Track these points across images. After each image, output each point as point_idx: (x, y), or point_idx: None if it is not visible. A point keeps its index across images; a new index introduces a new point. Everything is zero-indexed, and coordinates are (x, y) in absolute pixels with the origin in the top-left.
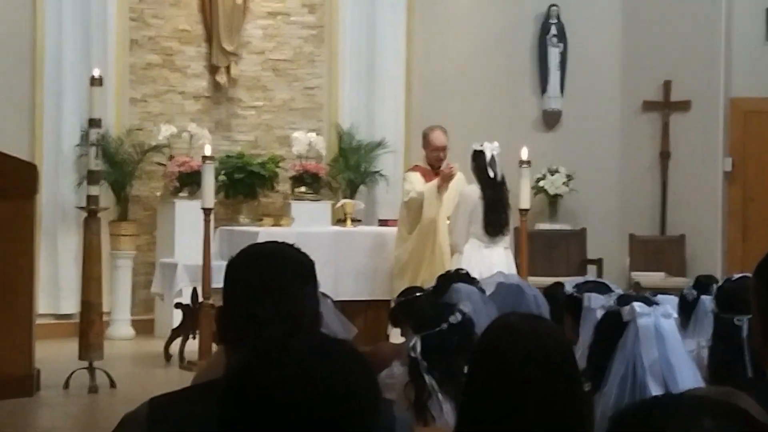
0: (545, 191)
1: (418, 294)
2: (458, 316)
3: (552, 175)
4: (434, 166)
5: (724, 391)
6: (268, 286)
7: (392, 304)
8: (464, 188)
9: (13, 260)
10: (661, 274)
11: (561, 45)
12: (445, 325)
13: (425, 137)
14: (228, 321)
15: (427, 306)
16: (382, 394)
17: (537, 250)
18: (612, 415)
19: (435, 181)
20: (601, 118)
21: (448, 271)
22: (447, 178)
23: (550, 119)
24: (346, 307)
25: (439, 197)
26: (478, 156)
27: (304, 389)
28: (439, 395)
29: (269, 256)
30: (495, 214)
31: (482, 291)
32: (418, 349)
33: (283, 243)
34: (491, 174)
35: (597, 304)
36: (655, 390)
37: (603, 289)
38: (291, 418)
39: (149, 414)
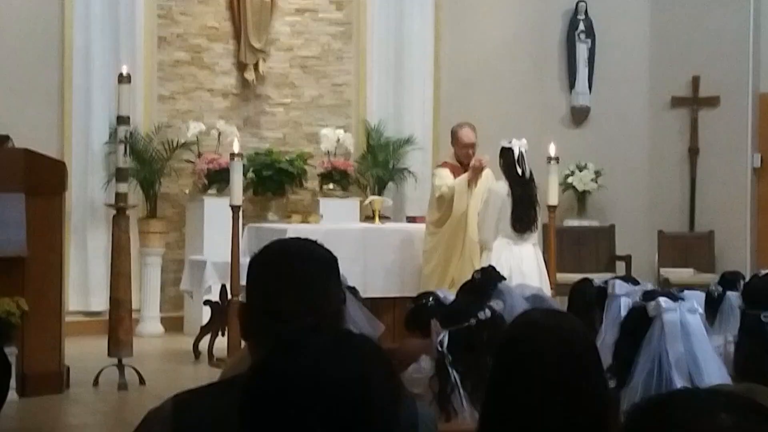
0: (574, 187)
1: (430, 299)
2: (487, 313)
3: (580, 171)
4: (463, 163)
5: (744, 387)
6: (290, 282)
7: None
8: (492, 184)
9: (43, 257)
10: (690, 271)
11: (589, 41)
12: (473, 321)
13: (454, 134)
14: (251, 317)
15: (458, 301)
16: (403, 391)
17: (566, 247)
18: (629, 409)
19: (465, 175)
20: (629, 114)
21: (489, 267)
22: (477, 170)
23: (579, 115)
24: (374, 304)
25: (470, 191)
26: (506, 153)
27: (322, 386)
28: (461, 390)
29: (291, 253)
30: (523, 211)
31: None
32: (445, 343)
33: (305, 239)
34: (519, 171)
35: (621, 290)
36: (681, 385)
37: (631, 284)
38: (309, 415)
39: (174, 410)
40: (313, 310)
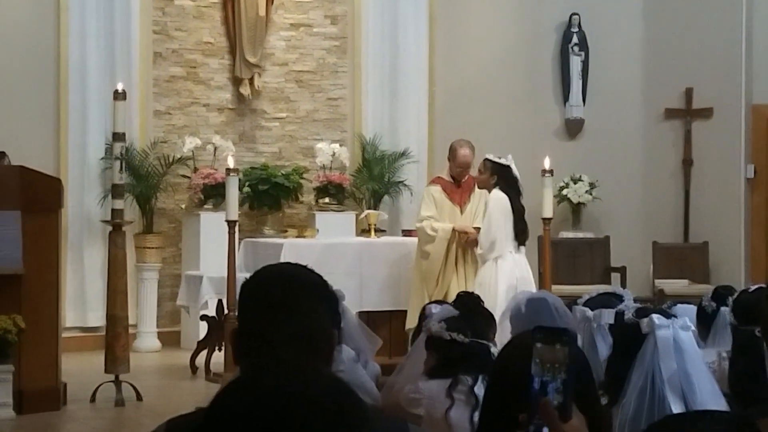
0: (568, 200)
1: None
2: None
3: (575, 183)
4: (456, 180)
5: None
6: (280, 307)
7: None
8: (493, 194)
9: (40, 274)
10: (685, 282)
11: (582, 53)
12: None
13: (453, 151)
14: (242, 342)
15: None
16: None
17: (561, 259)
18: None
19: (450, 226)
20: (623, 126)
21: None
22: (469, 244)
23: (573, 128)
24: (370, 318)
25: (450, 242)
26: (505, 170)
27: (277, 425)
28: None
29: (281, 277)
30: (524, 224)
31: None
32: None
33: (296, 264)
34: (520, 188)
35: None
36: (674, 402)
37: (615, 299)
38: None
39: None
40: (304, 334)
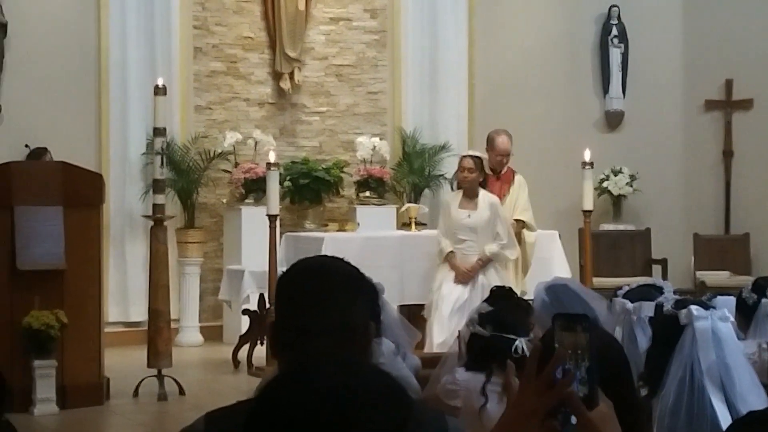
0: (609, 192)
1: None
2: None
3: (615, 175)
4: (495, 170)
5: None
6: (317, 300)
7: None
8: (521, 177)
9: (82, 269)
10: (726, 273)
11: (622, 45)
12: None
13: (491, 140)
14: (279, 334)
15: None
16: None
17: (601, 251)
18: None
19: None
20: (663, 118)
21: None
22: (463, 275)
23: (613, 120)
24: (411, 311)
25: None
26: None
27: (323, 419)
28: None
29: (316, 270)
30: None
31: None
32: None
33: (332, 257)
34: None
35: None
36: (713, 393)
37: (654, 290)
38: None
39: (206, 428)
40: (341, 327)
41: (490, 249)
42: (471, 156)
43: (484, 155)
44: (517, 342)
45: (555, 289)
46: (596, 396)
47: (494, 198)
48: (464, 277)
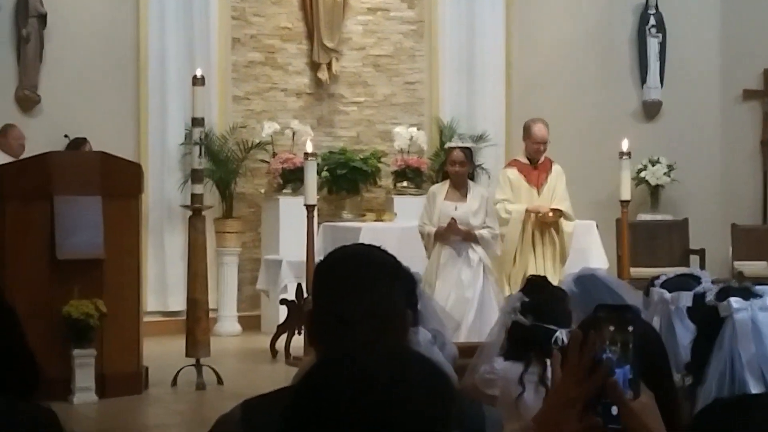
0: (647, 182)
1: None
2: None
3: (653, 165)
4: (533, 160)
5: None
6: (354, 287)
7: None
8: (558, 167)
9: (121, 259)
10: (764, 263)
11: (660, 35)
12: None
13: (527, 129)
14: (316, 323)
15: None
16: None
17: (639, 241)
18: (701, 410)
19: (523, 209)
20: (701, 108)
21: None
22: (543, 219)
23: (651, 110)
24: None
25: (525, 222)
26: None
27: (367, 405)
28: None
29: (354, 258)
30: None
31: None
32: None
33: (369, 245)
34: None
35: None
36: (755, 386)
37: (692, 280)
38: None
39: (243, 416)
40: (378, 315)
41: (481, 232)
42: (461, 148)
43: (474, 145)
44: (557, 333)
45: (583, 280)
46: (638, 387)
47: (486, 192)
48: (452, 228)
